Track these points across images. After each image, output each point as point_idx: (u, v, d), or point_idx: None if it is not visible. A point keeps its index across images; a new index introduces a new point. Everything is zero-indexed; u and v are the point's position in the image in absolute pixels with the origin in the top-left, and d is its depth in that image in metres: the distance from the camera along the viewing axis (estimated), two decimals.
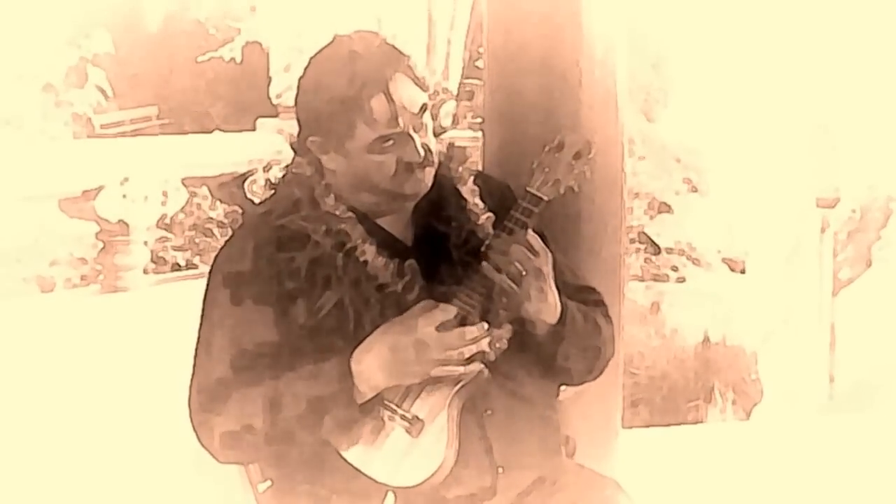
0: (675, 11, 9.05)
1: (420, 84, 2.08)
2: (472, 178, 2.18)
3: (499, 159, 2.75)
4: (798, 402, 7.69)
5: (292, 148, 2.15)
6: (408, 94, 2.04)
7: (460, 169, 2.17)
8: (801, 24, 8.42)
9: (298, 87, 2.11)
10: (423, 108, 2.06)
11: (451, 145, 2.16)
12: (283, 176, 2.14)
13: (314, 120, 2.07)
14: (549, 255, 2.06)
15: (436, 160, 2.10)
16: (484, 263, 2.03)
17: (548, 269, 2.06)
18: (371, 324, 2.01)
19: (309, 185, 2.09)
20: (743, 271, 8.95)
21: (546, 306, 2.08)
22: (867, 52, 8.20)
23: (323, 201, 2.08)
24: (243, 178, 7.32)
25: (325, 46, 2.10)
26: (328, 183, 2.09)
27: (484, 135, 2.87)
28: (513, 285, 2.02)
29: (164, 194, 6.47)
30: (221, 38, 10.40)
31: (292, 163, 2.13)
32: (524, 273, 2.02)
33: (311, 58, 2.11)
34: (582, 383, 2.25)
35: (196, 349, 2.09)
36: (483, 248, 2.06)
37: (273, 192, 2.15)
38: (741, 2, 8.76)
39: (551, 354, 2.13)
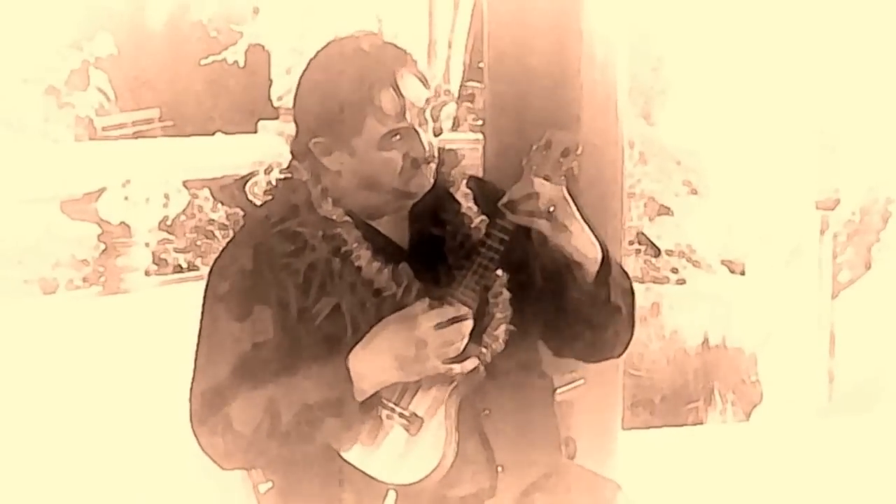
0: (675, 14, 9.04)
1: (423, 80, 2.11)
2: (464, 181, 2.20)
3: (499, 161, 2.76)
4: (798, 404, 7.68)
5: (291, 152, 2.15)
6: (414, 89, 2.07)
7: (453, 172, 2.19)
8: (801, 27, 8.42)
9: (298, 90, 2.12)
10: (427, 103, 2.08)
11: (442, 149, 2.17)
12: (281, 180, 2.15)
13: (319, 120, 2.08)
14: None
15: (437, 157, 2.12)
16: (509, 216, 2.04)
17: (569, 199, 2.07)
18: (368, 328, 2.02)
19: (305, 190, 2.10)
20: (743, 273, 8.92)
21: (585, 242, 2.09)
22: (866, 54, 8.20)
23: (320, 205, 2.09)
24: (244, 180, 7.33)
25: (324, 48, 2.12)
26: (325, 187, 2.10)
27: (485, 137, 2.88)
28: (546, 222, 2.04)
29: (166, 196, 6.48)
30: (224, 41, 10.39)
31: (289, 167, 2.14)
32: (552, 208, 2.04)
33: (310, 60, 2.12)
34: (622, 345, 2.24)
35: (196, 354, 2.09)
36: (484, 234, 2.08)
37: (271, 196, 2.16)
38: (741, 5, 8.75)
39: (605, 294, 2.13)
